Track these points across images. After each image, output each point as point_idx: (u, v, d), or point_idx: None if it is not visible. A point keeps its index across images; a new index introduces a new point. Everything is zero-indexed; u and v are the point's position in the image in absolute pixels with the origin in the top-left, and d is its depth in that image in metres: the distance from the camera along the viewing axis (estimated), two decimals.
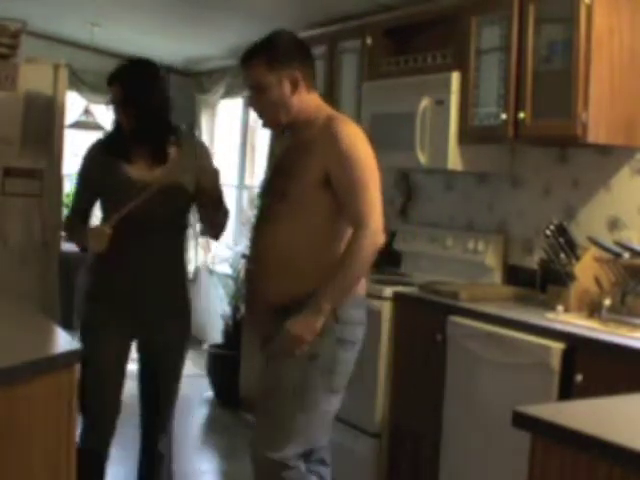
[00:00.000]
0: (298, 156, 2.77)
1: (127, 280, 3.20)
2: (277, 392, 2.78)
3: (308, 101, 2.84)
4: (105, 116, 7.16)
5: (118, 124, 3.31)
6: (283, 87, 2.78)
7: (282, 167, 2.86)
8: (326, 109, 2.88)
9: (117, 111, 3.27)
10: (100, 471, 3.33)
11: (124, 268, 3.20)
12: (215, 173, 3.29)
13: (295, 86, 2.79)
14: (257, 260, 2.87)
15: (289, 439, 2.76)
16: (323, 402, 2.78)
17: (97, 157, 3.30)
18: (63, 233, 3.70)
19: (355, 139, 2.73)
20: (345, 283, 2.70)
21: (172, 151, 3.28)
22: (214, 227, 3.40)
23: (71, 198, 3.50)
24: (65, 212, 4.84)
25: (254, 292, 2.90)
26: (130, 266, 3.20)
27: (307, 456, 2.86)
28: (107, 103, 3.31)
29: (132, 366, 3.37)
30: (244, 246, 6.26)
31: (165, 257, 3.27)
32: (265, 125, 2.93)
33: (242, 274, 5.30)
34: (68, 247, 5.65)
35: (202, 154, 3.35)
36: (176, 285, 3.33)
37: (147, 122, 3.23)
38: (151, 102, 3.25)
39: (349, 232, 2.74)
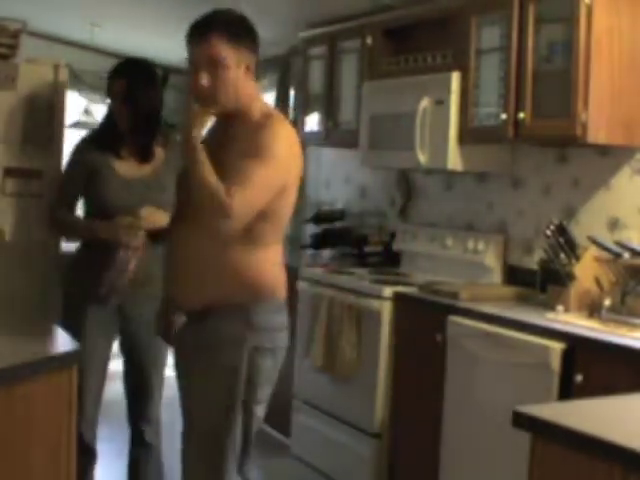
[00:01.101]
0: (231, 151, 2.52)
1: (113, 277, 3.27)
2: (205, 412, 2.59)
3: (251, 90, 2.60)
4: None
5: (111, 119, 3.39)
6: (239, 68, 2.53)
7: (216, 164, 2.52)
8: (262, 103, 2.66)
9: (115, 105, 3.35)
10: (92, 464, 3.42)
11: (110, 265, 3.24)
12: None
13: (247, 70, 2.56)
14: (174, 264, 2.65)
15: (228, 461, 2.57)
16: (248, 414, 2.58)
17: (87, 150, 3.39)
18: (50, 231, 3.68)
19: (278, 140, 2.50)
20: (197, 170, 2.44)
21: (158, 150, 3.38)
22: None
23: (54, 195, 3.53)
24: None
25: (170, 295, 2.72)
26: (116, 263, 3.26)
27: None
28: (107, 95, 3.38)
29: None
30: None
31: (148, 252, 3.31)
32: (207, 106, 2.55)
33: None
34: (68, 247, 5.65)
35: None
36: (156, 271, 3.34)
37: (143, 120, 3.32)
38: (150, 101, 3.35)
39: (270, 239, 2.57)
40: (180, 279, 2.61)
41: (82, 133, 7.07)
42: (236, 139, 2.54)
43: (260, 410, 2.60)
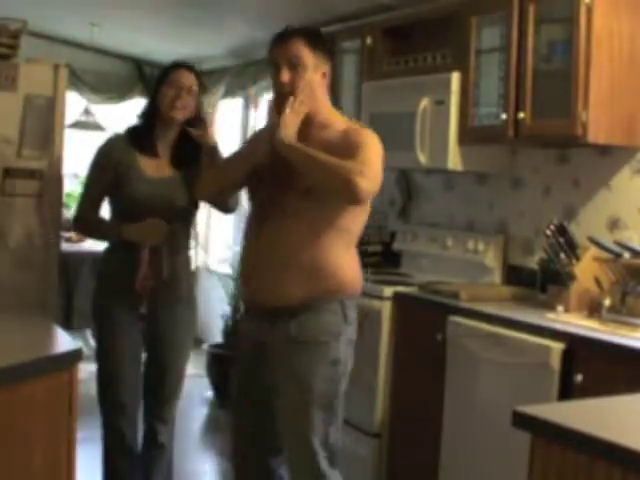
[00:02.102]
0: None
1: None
2: (309, 410, 2.66)
3: (325, 101, 2.80)
4: (105, 116, 7.19)
5: (151, 115, 3.33)
6: (316, 74, 2.73)
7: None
8: (343, 117, 2.84)
9: (178, 94, 3.26)
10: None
11: (134, 261, 3.23)
12: None
13: (323, 79, 2.76)
14: (267, 258, 2.70)
15: (322, 452, 2.68)
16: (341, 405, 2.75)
17: (117, 146, 3.34)
18: (74, 231, 3.66)
19: (376, 149, 2.68)
20: (313, 159, 2.59)
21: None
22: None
23: (80, 196, 3.49)
24: (69, 212, 4.85)
25: (255, 293, 2.76)
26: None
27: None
28: (159, 86, 3.29)
29: None
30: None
31: (173, 249, 3.32)
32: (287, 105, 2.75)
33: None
34: (68, 247, 5.66)
35: None
36: (185, 275, 3.41)
37: (191, 123, 3.28)
38: (200, 108, 3.38)
39: (357, 235, 2.77)
40: (273, 277, 2.67)
41: (82, 133, 7.05)
42: (322, 141, 2.68)
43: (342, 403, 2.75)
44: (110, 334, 3.28)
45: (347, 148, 2.62)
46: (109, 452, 3.34)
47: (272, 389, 2.74)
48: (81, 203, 3.43)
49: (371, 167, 2.59)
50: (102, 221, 3.42)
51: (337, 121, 2.78)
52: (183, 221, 3.38)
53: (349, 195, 2.54)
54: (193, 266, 3.53)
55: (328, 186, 2.60)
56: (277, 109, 2.71)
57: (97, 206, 3.40)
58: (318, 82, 2.74)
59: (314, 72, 2.71)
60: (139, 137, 3.33)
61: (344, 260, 2.70)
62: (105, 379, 3.30)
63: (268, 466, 2.83)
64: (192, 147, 3.23)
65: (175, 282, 3.32)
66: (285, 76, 2.70)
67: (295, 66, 2.70)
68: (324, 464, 2.67)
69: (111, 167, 3.30)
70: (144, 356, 3.42)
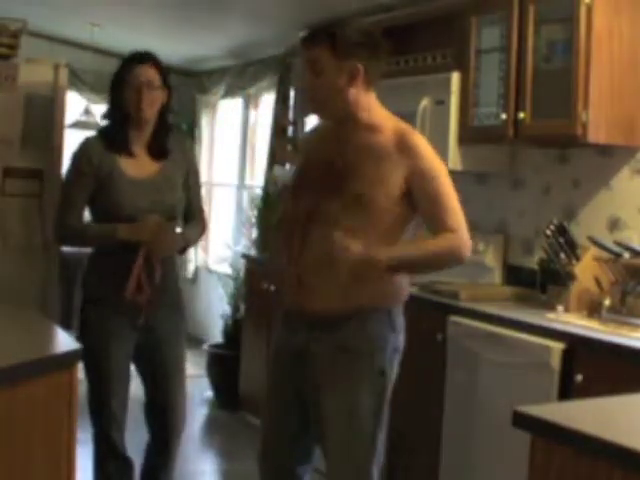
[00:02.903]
0: (369, 160, 2.59)
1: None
2: (354, 422, 2.60)
3: (365, 99, 2.65)
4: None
5: (117, 115, 3.21)
6: (340, 76, 2.59)
7: (344, 166, 2.62)
8: (390, 116, 2.72)
9: (139, 94, 3.15)
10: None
11: (125, 265, 3.13)
12: (197, 172, 3.43)
13: (353, 79, 2.60)
14: (312, 267, 2.59)
15: (372, 465, 2.63)
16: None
17: (93, 153, 3.18)
18: (57, 242, 3.51)
19: (433, 154, 2.64)
20: (415, 261, 2.61)
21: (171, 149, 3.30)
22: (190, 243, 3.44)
23: (60, 205, 3.27)
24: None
25: (296, 301, 2.66)
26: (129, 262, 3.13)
27: None
28: (119, 86, 3.20)
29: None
30: (243, 246, 6.26)
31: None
32: (313, 110, 2.80)
33: (276, 276, 4.83)
34: (68, 247, 5.65)
35: (189, 148, 3.38)
36: (171, 279, 3.32)
37: (164, 112, 3.24)
38: (171, 93, 3.27)
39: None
40: (319, 285, 2.58)
41: (82, 133, 7.07)
42: (371, 145, 2.62)
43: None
44: (102, 346, 3.15)
45: (419, 180, 2.59)
46: (102, 459, 3.31)
47: (311, 396, 2.66)
48: (62, 212, 3.23)
49: (458, 217, 2.65)
50: (90, 226, 3.28)
51: (383, 122, 2.66)
52: (171, 220, 3.25)
53: (460, 263, 2.69)
54: (192, 266, 3.51)
55: (439, 270, 2.81)
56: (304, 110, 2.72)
57: (80, 213, 3.23)
58: (344, 82, 2.60)
59: (337, 74, 2.59)
60: (113, 139, 3.19)
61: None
62: (96, 392, 3.20)
63: (294, 473, 2.77)
64: (167, 134, 3.23)
65: (167, 287, 3.23)
66: (304, 81, 2.66)
67: (313, 71, 2.63)
68: (372, 472, 2.63)
69: (91, 172, 3.15)
70: (141, 367, 3.34)
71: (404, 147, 2.59)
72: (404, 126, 2.69)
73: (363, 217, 2.57)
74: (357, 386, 2.59)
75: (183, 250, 3.39)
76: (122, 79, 3.20)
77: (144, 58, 3.25)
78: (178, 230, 3.34)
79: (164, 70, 3.26)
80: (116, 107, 3.23)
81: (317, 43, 2.62)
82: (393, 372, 2.69)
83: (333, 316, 2.59)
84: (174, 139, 3.34)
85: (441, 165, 2.64)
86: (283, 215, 2.82)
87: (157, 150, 3.25)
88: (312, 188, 2.65)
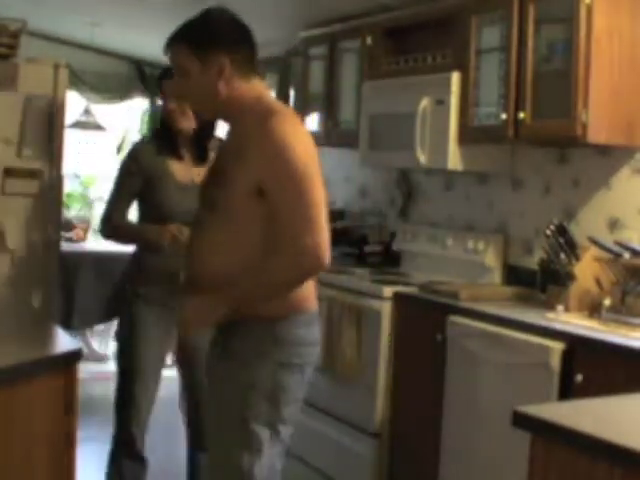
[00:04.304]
0: (228, 158, 2.44)
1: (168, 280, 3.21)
2: (221, 421, 2.47)
3: (243, 89, 2.46)
4: (105, 116, 7.19)
5: (166, 120, 3.36)
6: (208, 72, 2.42)
7: (213, 171, 2.54)
8: (267, 101, 2.50)
9: (172, 110, 3.30)
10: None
11: (168, 267, 3.22)
12: None
13: (221, 73, 2.42)
14: (190, 272, 2.52)
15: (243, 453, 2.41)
16: (270, 440, 2.41)
17: (145, 153, 3.36)
18: (105, 237, 3.57)
19: (292, 140, 2.34)
20: (254, 292, 2.39)
21: (210, 154, 3.37)
22: None
23: (108, 202, 3.46)
24: (69, 212, 4.84)
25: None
26: (171, 264, 3.19)
27: None
28: (161, 96, 3.32)
29: None
30: None
31: None
32: (198, 113, 2.83)
33: None
34: (68, 247, 5.65)
35: None
36: None
37: (208, 120, 3.28)
38: None
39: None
40: (203, 291, 2.44)
41: (82, 133, 7.05)
42: (236, 138, 2.48)
43: (286, 430, 2.45)
44: (142, 340, 3.26)
45: (271, 168, 2.33)
46: (118, 456, 3.32)
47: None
48: (107, 209, 3.43)
49: (310, 223, 2.31)
50: (129, 224, 3.46)
51: (250, 111, 2.44)
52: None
53: (314, 272, 2.38)
54: None
55: (288, 291, 2.40)
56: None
57: (124, 212, 3.42)
58: (214, 78, 2.43)
59: (204, 72, 2.43)
60: (163, 142, 3.37)
61: None
62: (127, 385, 3.27)
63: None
64: (206, 138, 3.31)
65: None
66: (173, 87, 2.71)
67: (180, 73, 2.48)
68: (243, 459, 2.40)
69: (140, 173, 3.33)
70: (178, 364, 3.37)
71: (258, 133, 2.35)
72: (273, 109, 2.43)
73: (220, 224, 2.42)
74: (223, 394, 2.45)
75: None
76: (160, 95, 3.43)
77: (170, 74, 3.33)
78: None
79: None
80: (161, 123, 3.44)
81: (175, 45, 2.47)
82: (280, 388, 2.41)
83: (223, 324, 2.46)
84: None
85: (299, 157, 2.33)
86: None
87: (197, 154, 3.36)
88: (200, 198, 2.58)
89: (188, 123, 3.32)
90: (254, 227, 2.37)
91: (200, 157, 3.38)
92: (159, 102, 3.44)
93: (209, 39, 2.44)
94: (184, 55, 2.44)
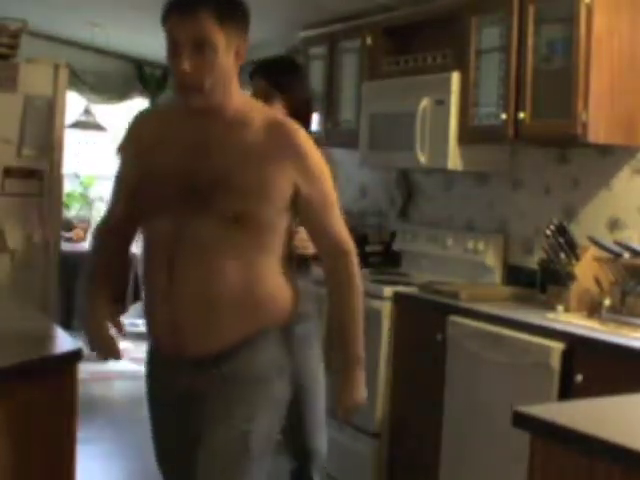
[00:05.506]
0: (244, 165, 2.10)
1: None
2: (240, 460, 2.16)
3: (238, 88, 2.18)
4: (105, 116, 7.19)
5: None
6: (229, 54, 2.10)
7: (213, 177, 2.10)
8: (255, 103, 2.28)
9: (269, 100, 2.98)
10: None
11: None
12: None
13: (239, 58, 2.13)
14: (190, 302, 2.12)
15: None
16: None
17: None
18: None
19: (315, 149, 2.21)
20: (361, 321, 2.27)
21: None
22: None
23: None
24: (69, 212, 4.84)
25: (172, 346, 2.18)
26: None
27: None
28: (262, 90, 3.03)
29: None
30: None
31: None
32: (196, 99, 2.11)
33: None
34: (68, 247, 5.66)
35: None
36: (311, 314, 3.15)
37: (302, 118, 2.92)
38: (303, 93, 3.16)
39: (284, 248, 2.24)
40: (203, 323, 2.13)
41: (82, 133, 7.04)
42: (244, 143, 2.12)
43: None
44: None
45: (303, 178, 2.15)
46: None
47: (198, 441, 2.17)
48: None
49: (345, 228, 2.26)
50: None
51: (253, 113, 2.17)
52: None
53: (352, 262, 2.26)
54: None
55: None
56: (180, 97, 2.14)
57: None
58: (230, 66, 2.11)
59: (226, 54, 2.08)
60: None
61: (280, 282, 2.21)
62: None
63: None
64: None
65: (306, 318, 2.97)
66: (186, 64, 2.06)
67: (201, 49, 2.06)
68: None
69: None
70: None
71: (283, 142, 2.13)
72: (274, 114, 2.25)
73: (243, 238, 2.11)
74: (250, 420, 2.15)
75: None
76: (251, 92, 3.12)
77: (260, 69, 3.17)
78: None
79: (287, 78, 3.13)
80: None
81: (201, 11, 2.05)
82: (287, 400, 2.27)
83: (221, 351, 2.15)
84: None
85: (325, 165, 2.23)
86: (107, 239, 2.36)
87: None
88: (169, 207, 2.12)
89: None
90: (281, 242, 2.21)
91: None
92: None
93: (237, 15, 2.13)
94: (210, 26, 2.05)
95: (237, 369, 2.17)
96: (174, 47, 2.09)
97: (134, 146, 2.24)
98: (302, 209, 2.20)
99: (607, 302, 3.31)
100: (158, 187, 2.15)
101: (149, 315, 2.25)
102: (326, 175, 2.22)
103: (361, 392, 2.27)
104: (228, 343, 2.15)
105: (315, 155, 2.19)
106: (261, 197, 2.10)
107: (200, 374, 2.17)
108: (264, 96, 2.98)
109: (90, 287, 2.36)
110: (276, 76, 3.10)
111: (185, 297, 2.12)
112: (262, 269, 2.16)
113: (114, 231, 2.33)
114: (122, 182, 2.28)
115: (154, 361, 2.32)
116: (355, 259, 2.25)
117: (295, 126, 2.18)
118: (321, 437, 3.18)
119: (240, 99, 2.18)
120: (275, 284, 2.19)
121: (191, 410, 2.20)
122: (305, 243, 2.75)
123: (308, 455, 3.18)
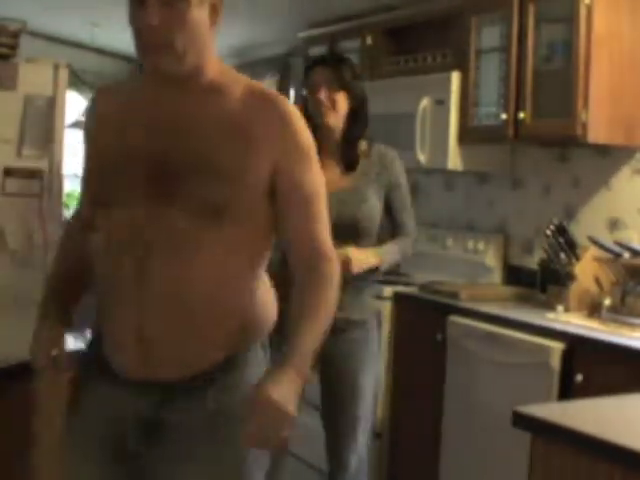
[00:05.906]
0: (222, 142, 1.74)
1: None
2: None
3: (214, 51, 1.82)
4: None
5: (310, 117, 2.80)
6: (203, 6, 1.75)
7: (185, 157, 1.74)
8: (238, 74, 1.87)
9: (319, 102, 2.89)
10: None
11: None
12: (400, 186, 3.03)
13: (216, 15, 1.78)
14: (163, 313, 1.75)
15: None
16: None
17: None
18: None
19: (305, 127, 1.84)
20: (321, 329, 1.77)
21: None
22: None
23: None
24: (69, 212, 4.84)
25: (137, 367, 1.79)
26: None
27: None
28: (310, 87, 2.92)
29: None
30: None
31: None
32: (162, 61, 1.80)
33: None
34: None
35: (392, 162, 3.02)
36: (356, 324, 3.04)
37: (352, 120, 2.93)
38: (362, 101, 2.98)
39: (266, 254, 1.88)
40: (169, 342, 1.77)
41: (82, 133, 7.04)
42: (221, 115, 1.77)
43: None
44: None
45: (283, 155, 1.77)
46: None
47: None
48: None
49: (325, 225, 1.83)
50: None
51: (232, 83, 1.81)
52: (369, 238, 2.95)
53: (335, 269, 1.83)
54: None
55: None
56: (146, 61, 1.86)
57: None
58: (206, 23, 1.76)
59: (200, 7, 1.73)
60: None
61: (263, 292, 1.87)
62: None
63: None
64: (353, 144, 2.92)
65: (349, 326, 2.94)
66: (154, 17, 1.73)
67: (171, 1, 1.72)
68: None
69: None
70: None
71: (269, 116, 1.77)
72: (258, 84, 1.86)
73: (227, 234, 1.75)
74: (244, 457, 1.81)
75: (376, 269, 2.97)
76: (305, 86, 2.99)
77: (324, 62, 3.02)
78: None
79: (349, 73, 2.96)
80: (305, 117, 2.94)
81: None
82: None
83: (202, 373, 1.79)
84: (374, 151, 3.01)
85: (313, 145, 1.85)
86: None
87: (345, 159, 2.94)
88: (136, 196, 1.76)
89: (336, 119, 2.90)
90: (261, 236, 1.83)
91: (349, 164, 2.92)
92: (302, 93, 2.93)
93: None
94: None
95: (224, 399, 1.79)
96: None
97: (96, 127, 1.91)
98: (279, 199, 1.79)
99: (607, 302, 3.31)
100: (123, 172, 1.77)
101: (105, 320, 1.89)
102: (314, 160, 1.82)
103: (283, 395, 1.67)
104: (211, 362, 1.78)
105: (304, 133, 1.81)
106: (243, 181, 1.73)
107: (170, 402, 1.78)
108: (327, 89, 2.89)
109: (46, 294, 2.04)
110: (341, 71, 2.95)
111: (156, 300, 1.74)
112: (244, 273, 1.81)
113: (86, 227, 1.92)
114: (89, 171, 1.91)
115: (94, 382, 1.90)
116: (338, 269, 1.83)
117: (283, 97, 1.82)
118: (357, 447, 2.98)
119: (217, 67, 1.82)
120: (258, 284, 1.85)
121: (151, 452, 1.79)
122: (362, 265, 2.76)
123: (342, 466, 3.00)
